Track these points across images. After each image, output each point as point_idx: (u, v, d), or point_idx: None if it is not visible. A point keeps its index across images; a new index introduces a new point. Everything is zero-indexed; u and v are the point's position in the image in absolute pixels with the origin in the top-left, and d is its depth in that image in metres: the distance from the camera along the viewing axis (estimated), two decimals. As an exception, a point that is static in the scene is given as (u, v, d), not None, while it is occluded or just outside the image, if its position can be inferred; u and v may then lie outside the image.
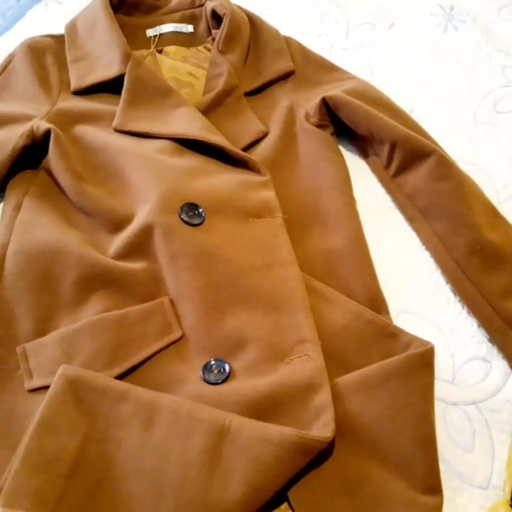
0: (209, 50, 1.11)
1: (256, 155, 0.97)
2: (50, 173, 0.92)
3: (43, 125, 0.92)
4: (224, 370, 0.75)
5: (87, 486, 0.64)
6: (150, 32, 1.14)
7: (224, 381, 0.74)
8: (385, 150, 0.99)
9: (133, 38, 1.10)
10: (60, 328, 0.78)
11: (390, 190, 1.01)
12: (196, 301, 0.79)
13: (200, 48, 1.12)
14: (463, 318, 0.89)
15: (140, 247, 0.83)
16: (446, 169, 0.94)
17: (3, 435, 0.71)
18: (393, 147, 0.97)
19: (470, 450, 0.78)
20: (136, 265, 0.82)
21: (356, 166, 1.03)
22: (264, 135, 1.01)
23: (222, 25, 1.07)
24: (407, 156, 0.97)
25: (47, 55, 1.05)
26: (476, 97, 1.15)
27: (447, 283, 0.91)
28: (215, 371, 0.75)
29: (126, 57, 1.00)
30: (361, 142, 1.05)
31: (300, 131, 1.02)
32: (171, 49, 1.12)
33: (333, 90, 1.03)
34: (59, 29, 1.09)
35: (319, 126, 1.02)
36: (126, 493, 0.65)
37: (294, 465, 0.66)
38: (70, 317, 0.79)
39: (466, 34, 1.25)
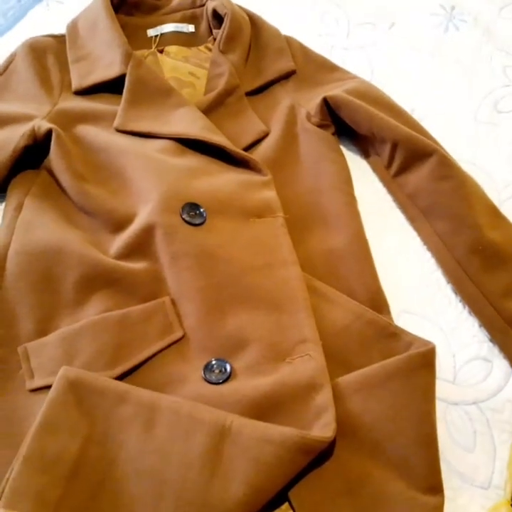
0: (210, 49, 1.11)
1: (257, 155, 0.97)
2: (51, 173, 0.93)
3: (44, 125, 0.92)
4: (225, 369, 0.75)
5: (88, 486, 0.65)
6: (151, 32, 1.14)
7: (225, 381, 0.74)
8: (387, 150, 0.99)
9: (134, 37, 1.10)
10: (61, 328, 0.78)
11: (391, 190, 1.01)
12: (197, 301, 0.79)
13: (201, 47, 1.12)
14: (464, 318, 0.89)
15: (141, 247, 0.83)
16: (447, 169, 0.94)
17: (4, 435, 0.72)
18: (394, 147, 0.98)
19: (471, 450, 0.78)
20: (137, 265, 0.82)
21: (357, 166, 1.03)
22: (266, 135, 1.01)
23: (223, 25, 1.07)
24: (408, 156, 0.97)
25: (48, 55, 1.05)
26: (477, 96, 1.15)
27: (448, 283, 0.91)
28: (216, 371, 0.75)
29: (127, 57, 1.00)
30: (362, 142, 1.05)
31: (301, 131, 1.02)
32: (172, 49, 1.12)
33: (334, 90, 1.03)
34: (60, 29, 1.09)
35: (320, 126, 1.02)
36: (127, 494, 0.65)
37: (295, 465, 0.66)
38: (71, 317, 0.79)
39: (467, 34, 1.25)
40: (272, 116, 1.04)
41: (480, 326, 0.87)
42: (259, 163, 0.93)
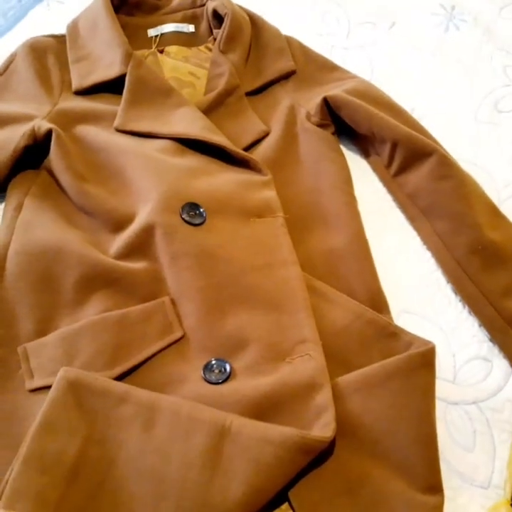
0: (210, 49, 1.11)
1: (257, 155, 0.97)
2: (51, 173, 0.93)
3: (44, 125, 0.92)
4: (225, 369, 0.75)
5: (88, 487, 0.65)
6: (151, 32, 1.14)
7: (225, 381, 0.74)
8: (386, 149, 0.99)
9: (134, 37, 1.10)
10: (61, 328, 0.78)
11: (391, 190, 1.01)
12: (197, 301, 0.79)
13: (202, 47, 1.12)
14: (464, 318, 0.89)
15: (141, 246, 0.83)
16: (447, 169, 0.94)
17: (4, 436, 0.72)
18: (394, 147, 0.97)
19: (471, 450, 0.78)
20: (137, 265, 0.82)
21: (357, 166, 1.03)
22: (266, 135, 1.01)
23: (224, 24, 1.07)
24: (408, 156, 0.97)
25: (48, 55, 1.05)
26: (478, 96, 1.15)
27: (448, 282, 0.91)
28: (216, 371, 0.75)
29: (128, 57, 1.00)
30: (362, 142, 1.05)
31: (301, 131, 1.02)
32: (172, 49, 1.12)
33: (334, 90, 1.03)
34: (60, 29, 1.09)
35: (320, 125, 1.02)
36: (127, 494, 0.65)
37: (295, 465, 0.66)
38: (70, 317, 0.79)
39: (468, 33, 1.25)
40: (272, 116, 1.04)
41: (480, 325, 0.87)
42: (259, 163, 0.93)
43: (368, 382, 0.74)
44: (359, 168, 1.03)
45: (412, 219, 0.97)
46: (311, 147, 1.00)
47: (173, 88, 1.01)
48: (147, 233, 0.83)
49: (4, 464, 0.67)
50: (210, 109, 1.00)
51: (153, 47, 1.12)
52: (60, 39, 1.08)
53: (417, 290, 0.91)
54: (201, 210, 0.86)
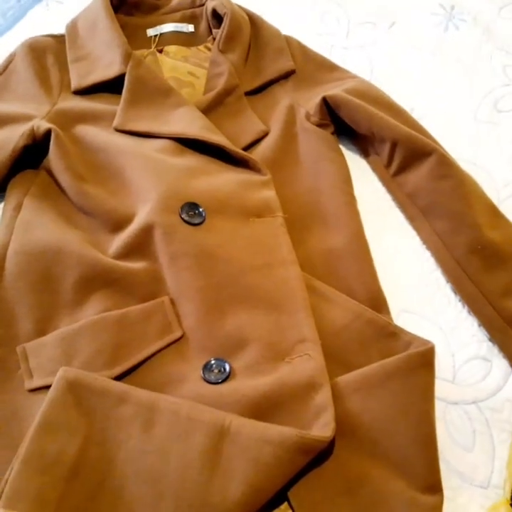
0: (209, 49, 1.11)
1: (256, 154, 0.97)
2: (50, 173, 0.93)
3: (43, 125, 0.92)
4: (224, 369, 0.75)
5: (87, 487, 0.65)
6: (150, 32, 1.14)
7: (224, 381, 0.74)
8: (386, 149, 0.99)
9: (133, 37, 1.10)
10: (60, 327, 0.78)
11: (390, 190, 1.01)
12: (196, 301, 0.79)
13: (201, 47, 1.12)
14: (463, 318, 0.88)
15: (140, 246, 0.83)
16: (446, 168, 0.94)
17: (3, 435, 0.72)
18: (394, 146, 0.97)
19: (470, 449, 0.78)
20: (136, 265, 0.82)
21: (357, 165, 1.03)
22: (265, 134, 1.01)
23: (223, 24, 1.07)
24: (407, 155, 0.97)
25: (47, 55, 1.05)
26: (477, 96, 1.15)
27: (448, 282, 0.91)
28: (216, 371, 0.75)
29: (127, 57, 1.00)
30: (362, 141, 1.05)
31: (300, 131, 1.02)
32: (171, 49, 1.12)
33: (334, 89, 1.03)
34: (60, 29, 1.09)
35: (320, 125, 1.02)
36: (126, 494, 0.65)
37: (294, 465, 0.66)
38: (70, 317, 0.79)
39: (467, 33, 1.25)
40: (271, 115, 1.04)
41: (479, 325, 0.87)
42: (259, 163, 0.93)
43: (367, 381, 0.74)
44: (358, 167, 1.03)
45: (411, 219, 0.97)
46: (311, 147, 1.00)
47: (173, 88, 1.01)
48: (146, 233, 0.83)
49: (4, 463, 0.67)
50: (209, 109, 1.00)
51: (153, 47, 1.12)
52: (59, 39, 1.08)
53: (417, 290, 0.91)
54: (200, 209, 0.86)
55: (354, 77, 1.10)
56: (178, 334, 0.78)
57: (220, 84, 1.02)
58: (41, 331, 0.78)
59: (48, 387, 0.71)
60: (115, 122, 0.96)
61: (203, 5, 1.16)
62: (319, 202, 0.94)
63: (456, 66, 1.19)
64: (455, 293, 0.90)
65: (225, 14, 1.08)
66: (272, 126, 1.02)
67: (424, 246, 0.95)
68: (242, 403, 0.71)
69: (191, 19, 1.16)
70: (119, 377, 0.73)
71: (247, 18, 1.11)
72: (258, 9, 1.17)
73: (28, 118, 0.95)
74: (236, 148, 0.94)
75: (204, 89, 1.05)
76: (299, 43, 1.14)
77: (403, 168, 0.98)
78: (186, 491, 0.64)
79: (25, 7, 1.32)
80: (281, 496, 0.68)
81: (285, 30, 1.14)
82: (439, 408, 0.79)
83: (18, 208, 0.88)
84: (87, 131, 0.95)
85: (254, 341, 0.77)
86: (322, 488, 0.69)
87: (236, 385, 0.73)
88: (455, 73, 1.18)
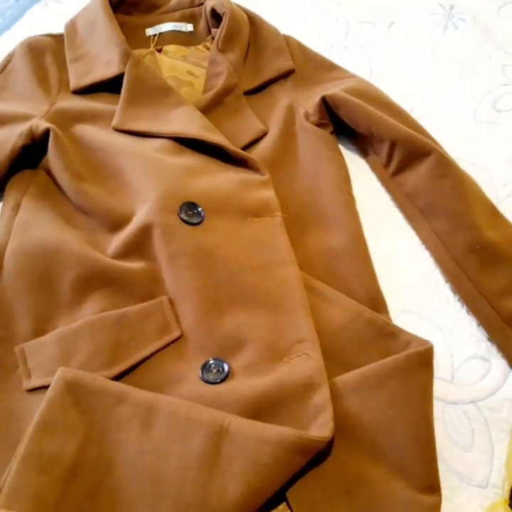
0: (209, 48, 1.11)
1: (255, 154, 0.97)
2: (49, 173, 0.93)
3: (42, 124, 0.92)
4: (223, 369, 0.74)
5: (86, 487, 0.65)
6: (149, 31, 1.14)
7: (223, 381, 0.74)
8: (385, 149, 0.99)
9: (132, 37, 1.09)
10: (58, 327, 0.78)
11: (389, 189, 1.00)
12: (195, 301, 0.79)
13: (200, 46, 1.12)
14: (462, 317, 0.88)
15: (139, 246, 0.83)
16: (445, 168, 0.94)
17: (1, 435, 0.72)
18: (393, 146, 0.97)
19: (469, 449, 0.78)
20: (135, 265, 0.82)
21: (356, 165, 1.03)
22: (264, 134, 1.01)
23: (222, 24, 1.07)
24: (406, 155, 0.97)
25: (46, 55, 1.05)
26: (476, 95, 1.15)
27: (447, 282, 0.91)
28: (214, 371, 0.75)
29: (126, 57, 1.00)
30: (361, 141, 1.05)
31: (300, 130, 1.02)
32: (170, 48, 1.12)
33: (333, 89, 1.03)
34: (58, 28, 1.09)
35: (319, 125, 1.02)
36: (125, 494, 0.65)
37: (293, 465, 0.66)
38: (68, 317, 0.79)
39: (466, 33, 1.25)
40: (270, 115, 1.04)
41: (478, 325, 0.87)
42: (258, 163, 0.93)
43: (366, 381, 0.74)
44: (357, 167, 1.03)
45: (410, 218, 0.97)
46: (310, 146, 1.00)
47: (172, 87, 1.01)
48: (145, 233, 0.83)
49: (2, 463, 0.67)
50: (208, 109, 1.00)
51: (152, 46, 1.12)
52: (57, 38, 1.08)
53: (416, 289, 0.91)
54: (199, 209, 0.85)
55: (353, 76, 1.09)
56: (176, 334, 0.78)
57: (219, 83, 1.02)
58: (40, 330, 0.78)
59: (46, 387, 0.71)
60: (114, 122, 0.96)
61: (202, 4, 1.16)
62: (318, 202, 0.94)
63: (456, 66, 1.19)
64: (454, 293, 0.90)
65: (224, 13, 1.08)
66: (271, 126, 1.02)
67: (423, 246, 0.95)
68: (240, 403, 0.71)
69: (190, 18, 1.16)
70: (117, 377, 0.73)
71: (246, 17, 1.11)
72: (257, 9, 1.17)
73: (26, 117, 0.95)
74: (235, 148, 0.94)
75: (203, 88, 1.05)
76: (298, 43, 1.14)
77: (402, 167, 0.98)
78: (185, 491, 0.64)
79: (23, 6, 1.32)
80: (279, 496, 0.68)
81: (284, 30, 1.14)
82: (438, 408, 0.79)
83: (16, 207, 0.88)
84: (86, 131, 0.95)
85: (253, 341, 0.77)
86: (321, 488, 0.68)
87: (235, 385, 0.73)
88: (454, 73, 1.18)
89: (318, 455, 0.68)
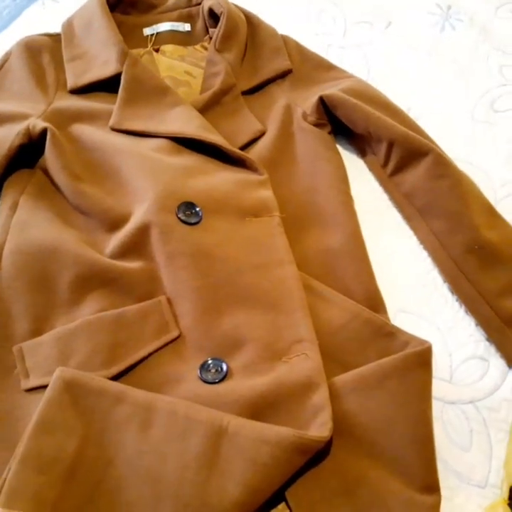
0: (206, 48, 1.11)
1: (253, 154, 0.97)
2: (46, 173, 0.92)
3: (39, 124, 0.92)
4: (221, 369, 0.74)
5: (85, 487, 0.64)
6: (147, 31, 1.14)
7: (221, 380, 0.74)
8: (383, 149, 0.99)
9: (130, 36, 1.09)
10: (56, 327, 0.78)
11: (387, 189, 1.01)
12: (193, 301, 0.79)
13: (197, 46, 1.12)
14: (461, 317, 0.89)
15: (137, 246, 0.83)
16: (443, 168, 0.94)
17: (0, 436, 0.71)
18: (391, 146, 0.97)
19: (468, 449, 0.78)
20: (133, 264, 0.82)
21: (354, 165, 1.03)
22: (262, 134, 1.01)
23: (220, 23, 1.07)
24: (404, 155, 0.97)
25: (43, 54, 1.04)
26: (474, 95, 1.15)
27: (445, 282, 0.91)
28: (213, 370, 0.74)
29: (123, 56, 1.00)
30: (359, 141, 1.05)
31: (297, 130, 1.02)
32: (167, 48, 1.12)
33: (331, 89, 1.03)
34: (56, 28, 1.09)
35: (317, 125, 1.02)
36: (124, 494, 0.64)
37: (292, 465, 0.66)
38: (66, 316, 0.79)
39: (464, 33, 1.25)
40: (268, 115, 1.04)
41: (476, 325, 0.87)
42: (256, 163, 0.93)
43: (364, 381, 0.74)
44: (355, 167, 1.03)
45: (408, 218, 0.97)
46: (308, 146, 1.00)
47: (169, 87, 1.01)
48: (143, 233, 0.83)
49: (1, 463, 0.67)
50: (206, 108, 1.00)
51: (149, 46, 1.12)
52: (55, 38, 1.07)
53: (414, 290, 0.91)
54: (197, 209, 0.85)
55: (351, 76, 1.09)
56: (175, 334, 0.77)
57: (217, 83, 1.02)
58: (38, 330, 0.78)
59: (44, 387, 0.70)
60: (111, 121, 0.96)
61: (199, 4, 1.16)
62: (316, 201, 0.94)
63: (453, 66, 1.20)
64: (452, 293, 0.90)
65: (221, 13, 1.08)
66: (268, 126, 1.02)
67: (421, 246, 0.95)
68: (239, 403, 0.71)
69: (188, 18, 1.16)
70: (116, 377, 0.73)
71: (243, 17, 1.11)
72: (255, 8, 1.17)
73: (23, 117, 0.95)
74: (233, 148, 0.93)
75: (201, 88, 1.05)
76: (295, 43, 1.13)
77: (400, 167, 0.98)
78: (184, 491, 0.64)
79: (21, 6, 1.31)
80: (278, 496, 0.68)
81: (282, 30, 1.14)
82: (437, 408, 0.79)
83: (14, 207, 0.88)
84: (84, 131, 0.95)
85: (252, 341, 0.77)
86: (320, 487, 0.68)
87: (233, 385, 0.73)
88: (452, 73, 1.18)
89: (317, 455, 0.68)
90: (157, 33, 1.14)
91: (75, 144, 0.94)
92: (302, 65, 1.11)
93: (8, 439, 0.70)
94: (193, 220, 0.84)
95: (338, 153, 1.02)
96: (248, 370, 0.75)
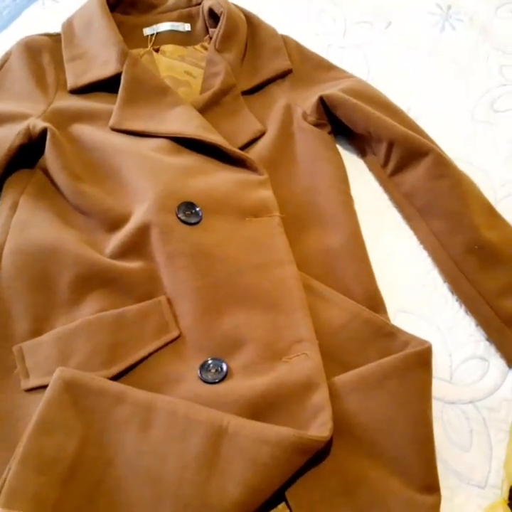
0: (206, 48, 1.11)
1: (253, 154, 0.97)
2: (46, 173, 0.92)
3: (39, 124, 0.92)
4: (221, 369, 0.74)
5: (85, 487, 0.64)
6: (147, 31, 1.14)
7: (221, 380, 0.74)
8: (383, 149, 0.99)
9: (130, 36, 1.09)
10: (56, 327, 0.78)
11: (387, 189, 1.01)
12: (193, 301, 0.79)
13: (197, 46, 1.12)
14: (461, 317, 0.89)
15: (137, 246, 0.83)
16: (443, 168, 0.94)
17: (0, 436, 0.71)
18: (391, 146, 0.97)
19: (468, 449, 0.78)
20: (133, 264, 0.82)
21: (354, 165, 1.03)
22: (262, 134, 1.01)
23: (220, 23, 1.07)
24: (404, 155, 0.97)
25: (43, 54, 1.04)
26: (474, 95, 1.15)
27: (445, 282, 0.91)
28: (213, 370, 0.74)
29: (123, 56, 1.00)
30: (359, 141, 1.05)
31: (297, 130, 1.02)
32: (167, 48, 1.12)
33: (331, 89, 1.03)
34: (56, 28, 1.09)
35: (317, 125, 1.02)
36: (124, 494, 0.64)
37: (292, 465, 0.66)
38: (66, 316, 0.79)
39: (464, 33, 1.25)
40: (268, 115, 1.04)
41: (476, 325, 0.87)
42: (256, 163, 0.93)
43: (364, 381, 0.74)
44: (355, 167, 1.03)
45: (408, 218, 0.97)
46: (308, 146, 1.00)
47: (169, 87, 1.01)
48: (143, 233, 0.83)
49: (1, 463, 0.67)
50: (206, 108, 1.00)
51: (149, 46, 1.12)
52: (55, 38, 1.07)
53: (414, 290, 0.91)
54: (197, 209, 0.85)
55: (351, 76, 1.09)
56: (175, 334, 0.77)
57: (217, 83, 1.02)
58: (38, 330, 0.78)
59: (44, 387, 0.70)
60: (111, 121, 0.96)
61: (199, 4, 1.16)
62: (316, 201, 0.94)
63: (453, 66, 1.20)
64: (452, 293, 0.90)
65: (221, 13, 1.08)
66: (268, 126, 1.02)
67: (421, 246, 0.95)
68: (239, 403, 0.71)
69: (188, 18, 1.16)
70: (115, 377, 0.73)
71: (243, 17, 1.11)
72: (255, 9, 1.16)
73: (23, 117, 0.94)
74: (233, 148, 0.93)
75: (201, 88, 1.05)
76: (295, 43, 1.13)
77: (400, 167, 0.98)
78: (184, 491, 0.64)
79: (21, 6, 1.31)
80: (279, 496, 0.68)
81: (282, 30, 1.14)
82: (437, 408, 0.79)
83: (13, 207, 0.88)
84: (84, 131, 0.95)
85: (252, 341, 0.77)
86: (320, 487, 0.68)
87: (233, 385, 0.73)
88: (452, 73, 1.18)
89: (318, 455, 0.68)
90: (157, 33, 1.14)
91: (75, 144, 0.94)
92: (302, 65, 1.11)
93: (8, 439, 0.70)
94: (193, 220, 0.84)
95: (338, 153, 1.02)
96: (248, 370, 0.75)
